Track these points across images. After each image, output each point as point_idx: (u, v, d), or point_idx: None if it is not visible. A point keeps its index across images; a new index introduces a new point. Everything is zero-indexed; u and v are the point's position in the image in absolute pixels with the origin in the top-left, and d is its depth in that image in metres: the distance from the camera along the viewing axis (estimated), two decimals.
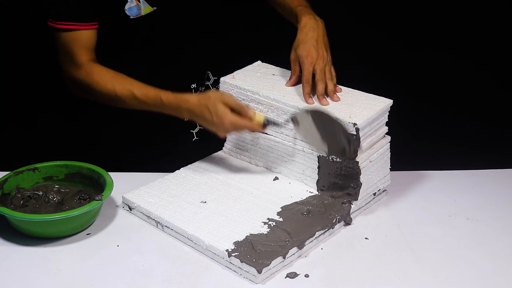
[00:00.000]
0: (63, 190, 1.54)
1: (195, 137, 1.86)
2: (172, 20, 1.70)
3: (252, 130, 1.54)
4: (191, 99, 1.54)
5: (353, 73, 1.86)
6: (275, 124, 1.55)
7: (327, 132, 1.48)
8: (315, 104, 1.54)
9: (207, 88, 1.85)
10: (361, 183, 1.50)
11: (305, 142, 1.55)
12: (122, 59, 1.69)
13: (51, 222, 1.39)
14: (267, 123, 1.53)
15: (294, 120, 1.53)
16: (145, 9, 1.64)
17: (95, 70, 1.62)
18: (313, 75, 1.58)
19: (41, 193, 1.52)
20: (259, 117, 1.53)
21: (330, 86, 1.58)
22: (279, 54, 1.71)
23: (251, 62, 1.76)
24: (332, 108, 1.53)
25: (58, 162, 1.56)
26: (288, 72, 1.68)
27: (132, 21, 1.64)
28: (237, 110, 1.51)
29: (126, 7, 1.62)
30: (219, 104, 1.51)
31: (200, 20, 1.76)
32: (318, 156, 1.54)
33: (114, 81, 1.60)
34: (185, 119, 1.62)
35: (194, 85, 1.81)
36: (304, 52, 1.59)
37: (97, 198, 1.44)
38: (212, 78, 1.84)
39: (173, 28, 1.72)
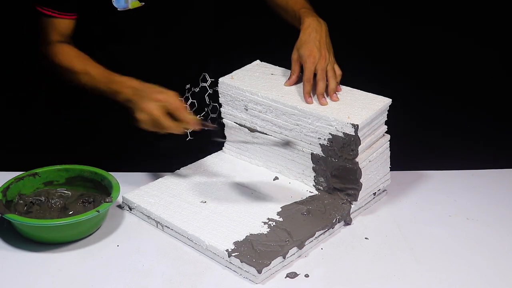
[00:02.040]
0: (65, 195, 1.53)
1: (189, 137, 1.86)
2: (160, 17, 1.70)
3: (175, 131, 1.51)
4: (135, 84, 1.55)
5: (353, 71, 1.86)
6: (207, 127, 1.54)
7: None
8: None
9: (203, 89, 1.84)
10: (361, 184, 1.50)
11: None
12: (110, 50, 1.71)
13: (65, 227, 1.38)
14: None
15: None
16: (133, 3, 1.65)
17: (63, 47, 1.67)
18: (314, 75, 1.58)
19: (43, 198, 1.51)
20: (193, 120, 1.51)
21: (332, 85, 1.58)
22: (278, 51, 1.71)
23: (242, 57, 1.76)
24: (331, 108, 1.53)
25: (59, 166, 1.55)
26: (287, 71, 1.68)
27: (120, 14, 1.65)
28: (173, 112, 1.50)
29: None
30: (154, 99, 1.50)
31: (190, 16, 1.76)
32: (312, 155, 1.54)
33: (75, 58, 1.65)
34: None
35: (188, 86, 1.81)
36: (306, 52, 1.59)
37: (108, 200, 1.44)
38: (209, 80, 1.84)
39: (161, 24, 1.71)
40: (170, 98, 1.51)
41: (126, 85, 1.56)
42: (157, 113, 1.48)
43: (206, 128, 1.54)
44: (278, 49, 1.76)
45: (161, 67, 1.75)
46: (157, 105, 1.49)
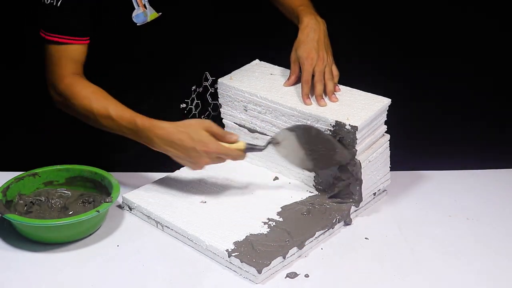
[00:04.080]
0: (64, 195, 1.53)
1: None
2: (177, 24, 1.70)
3: (235, 158, 1.48)
4: (166, 126, 1.47)
5: (353, 71, 1.86)
6: (256, 149, 1.51)
7: (314, 147, 1.49)
8: (301, 122, 1.53)
9: (205, 89, 1.84)
10: (360, 191, 1.50)
11: (286, 161, 1.54)
12: (127, 63, 1.70)
13: (65, 227, 1.38)
14: (247, 149, 1.49)
15: (274, 141, 1.51)
16: (151, 15, 1.63)
17: (77, 83, 1.56)
18: (313, 76, 1.58)
19: (43, 198, 1.51)
20: (240, 144, 1.48)
21: (330, 86, 1.58)
22: (277, 50, 1.71)
23: (241, 55, 1.77)
24: (330, 109, 1.53)
25: (59, 167, 1.55)
26: (286, 71, 1.68)
27: (139, 28, 1.63)
28: (220, 137, 1.46)
29: (133, 14, 1.61)
30: (202, 130, 1.45)
31: (204, 23, 1.76)
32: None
33: (92, 97, 1.54)
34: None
35: (194, 87, 1.81)
36: (304, 53, 1.59)
37: (108, 200, 1.44)
38: (210, 79, 1.84)
39: (178, 32, 1.71)
40: (213, 145, 1.45)
41: (154, 134, 1.48)
42: (212, 162, 1.47)
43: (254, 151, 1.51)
44: (278, 47, 1.76)
45: (165, 69, 1.75)
46: (209, 159, 1.46)
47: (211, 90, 1.85)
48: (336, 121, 1.48)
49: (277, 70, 1.71)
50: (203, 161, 1.47)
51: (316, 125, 1.50)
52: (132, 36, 1.64)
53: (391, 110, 1.56)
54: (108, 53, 1.68)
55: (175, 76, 1.76)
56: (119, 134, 1.54)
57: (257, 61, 1.76)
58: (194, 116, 1.84)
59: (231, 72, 1.70)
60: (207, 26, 1.79)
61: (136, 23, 1.62)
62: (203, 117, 1.86)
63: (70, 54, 1.57)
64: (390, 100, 1.55)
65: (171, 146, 1.47)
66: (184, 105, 1.81)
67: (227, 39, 1.97)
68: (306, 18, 1.64)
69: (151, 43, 1.68)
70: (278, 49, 1.72)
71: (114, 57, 1.69)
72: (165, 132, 1.47)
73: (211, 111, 1.88)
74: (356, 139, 1.46)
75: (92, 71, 1.64)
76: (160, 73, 1.74)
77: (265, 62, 1.75)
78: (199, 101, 1.83)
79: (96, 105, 1.53)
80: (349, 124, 1.46)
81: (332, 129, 1.48)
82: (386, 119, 1.56)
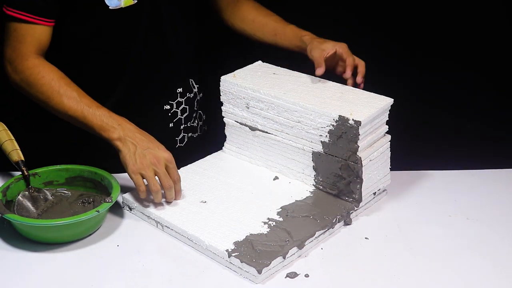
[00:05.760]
0: (65, 195, 1.53)
1: (178, 144, 1.83)
2: (154, 16, 1.66)
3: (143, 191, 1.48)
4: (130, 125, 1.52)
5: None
6: None
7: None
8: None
9: (195, 95, 1.82)
10: (361, 192, 1.50)
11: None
12: (96, 53, 1.66)
13: (65, 227, 1.38)
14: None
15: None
16: (126, 0, 1.59)
17: (42, 65, 1.55)
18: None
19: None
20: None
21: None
22: (280, 53, 1.70)
23: (243, 58, 1.76)
24: (333, 105, 1.52)
25: (59, 166, 1.55)
26: (289, 72, 1.68)
27: (112, 13, 1.58)
28: (172, 175, 1.49)
29: None
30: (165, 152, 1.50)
31: (184, 16, 1.73)
32: (313, 153, 1.54)
33: (62, 80, 1.54)
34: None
35: (180, 90, 1.77)
36: (337, 45, 1.68)
37: (108, 200, 1.44)
38: (196, 86, 1.81)
39: (155, 24, 1.67)
40: (161, 160, 1.49)
41: (125, 121, 1.53)
42: (146, 172, 1.48)
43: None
44: (280, 50, 1.76)
45: (152, 70, 1.71)
46: (149, 165, 1.48)
47: (198, 97, 1.82)
48: (339, 115, 1.47)
49: (279, 70, 1.71)
50: (144, 162, 1.47)
51: (319, 120, 1.50)
52: (102, 23, 1.59)
53: (391, 110, 1.56)
54: (75, 41, 1.63)
55: (155, 74, 1.71)
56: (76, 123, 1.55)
57: (259, 62, 1.76)
58: (179, 121, 1.80)
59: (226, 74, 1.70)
60: (195, 24, 1.77)
61: (109, 6, 1.57)
62: (190, 124, 1.83)
63: (34, 34, 1.55)
64: (392, 100, 1.55)
65: (134, 137, 1.50)
66: (168, 107, 1.76)
67: (217, 40, 1.95)
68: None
69: (124, 34, 1.63)
70: (280, 53, 1.72)
71: (87, 47, 1.64)
72: (134, 126, 1.52)
73: (198, 121, 1.86)
74: (359, 134, 1.46)
75: (63, 60, 1.61)
76: (138, 69, 1.69)
77: (267, 63, 1.75)
78: (187, 107, 1.80)
79: (65, 88, 1.53)
80: (353, 119, 1.45)
81: (335, 124, 1.48)
82: (388, 119, 1.56)
